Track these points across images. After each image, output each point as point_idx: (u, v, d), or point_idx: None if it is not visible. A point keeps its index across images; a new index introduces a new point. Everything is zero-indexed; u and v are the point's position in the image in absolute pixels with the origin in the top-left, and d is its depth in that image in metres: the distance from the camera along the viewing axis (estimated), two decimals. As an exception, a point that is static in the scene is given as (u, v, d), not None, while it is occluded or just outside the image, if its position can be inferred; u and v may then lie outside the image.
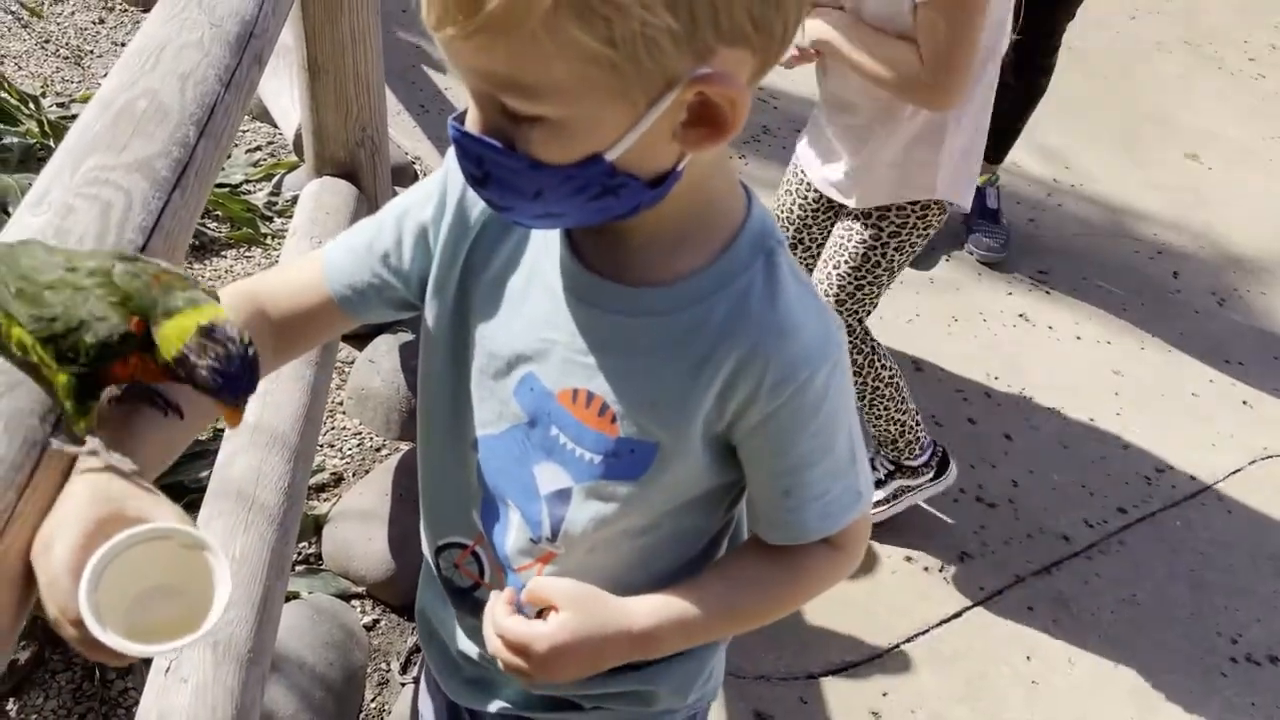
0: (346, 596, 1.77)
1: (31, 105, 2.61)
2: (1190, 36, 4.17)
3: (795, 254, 1.89)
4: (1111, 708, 1.81)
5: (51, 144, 2.46)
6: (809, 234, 1.91)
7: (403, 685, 1.68)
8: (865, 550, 0.85)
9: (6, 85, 2.58)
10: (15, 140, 2.38)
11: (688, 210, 0.70)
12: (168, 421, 0.71)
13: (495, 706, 0.94)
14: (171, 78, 1.00)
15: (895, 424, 1.91)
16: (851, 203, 1.76)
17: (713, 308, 0.71)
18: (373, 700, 1.66)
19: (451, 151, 0.76)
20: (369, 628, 1.74)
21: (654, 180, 0.66)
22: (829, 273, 1.81)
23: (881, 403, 1.88)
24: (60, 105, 2.75)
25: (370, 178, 2.04)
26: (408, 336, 2.12)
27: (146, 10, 3.25)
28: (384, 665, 1.70)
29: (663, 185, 0.66)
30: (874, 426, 1.92)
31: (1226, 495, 2.24)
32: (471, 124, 0.65)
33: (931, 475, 1.98)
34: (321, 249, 0.85)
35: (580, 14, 0.56)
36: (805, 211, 1.89)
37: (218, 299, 0.68)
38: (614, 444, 0.74)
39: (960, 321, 2.59)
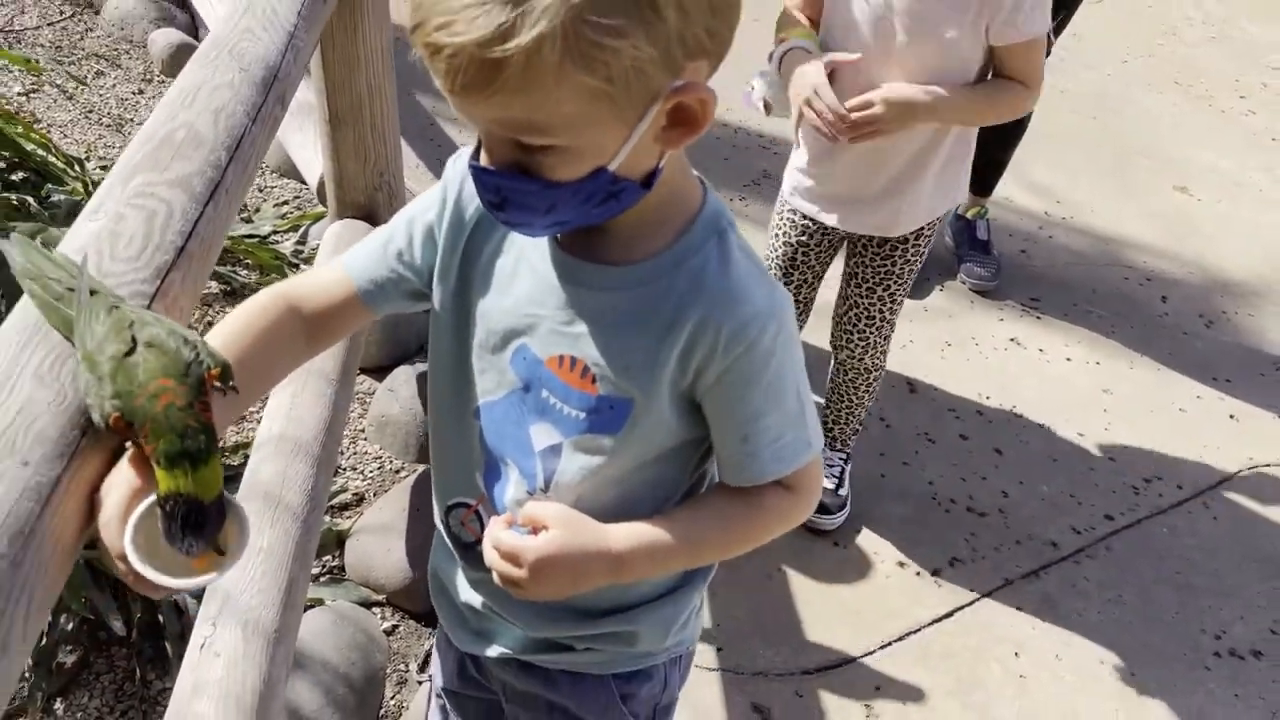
0: (368, 604, 1.89)
1: (77, 167, 2.81)
2: (1181, 77, 4.30)
3: (791, 283, 2.00)
4: (1098, 701, 1.88)
5: (95, 201, 2.65)
6: (809, 265, 1.98)
7: (420, 684, 1.78)
8: (818, 497, 0.95)
9: (53, 149, 2.79)
10: (63, 198, 2.57)
11: (656, 200, 0.82)
12: (225, 400, 0.83)
13: (496, 652, 1.06)
14: (206, 113, 1.16)
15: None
16: (896, 233, 1.86)
17: (674, 281, 0.83)
18: (392, 698, 1.76)
19: (452, 161, 0.91)
20: (388, 632, 1.86)
21: (645, 179, 0.79)
22: (886, 303, 1.95)
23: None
24: (103, 168, 2.95)
25: (387, 218, 2.19)
26: (424, 367, 2.26)
27: (182, 80, 3.48)
28: (403, 666, 1.81)
29: (652, 181, 0.80)
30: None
31: (1212, 504, 2.32)
32: (486, 159, 0.77)
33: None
34: (341, 256, 0.98)
35: (583, 62, 0.68)
36: (805, 248, 1.95)
37: (224, 364, 0.80)
38: (595, 401, 0.87)
39: (953, 346, 2.70)
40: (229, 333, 0.89)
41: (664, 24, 0.69)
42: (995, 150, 2.85)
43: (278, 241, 2.78)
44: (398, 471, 2.17)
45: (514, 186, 0.76)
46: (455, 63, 0.68)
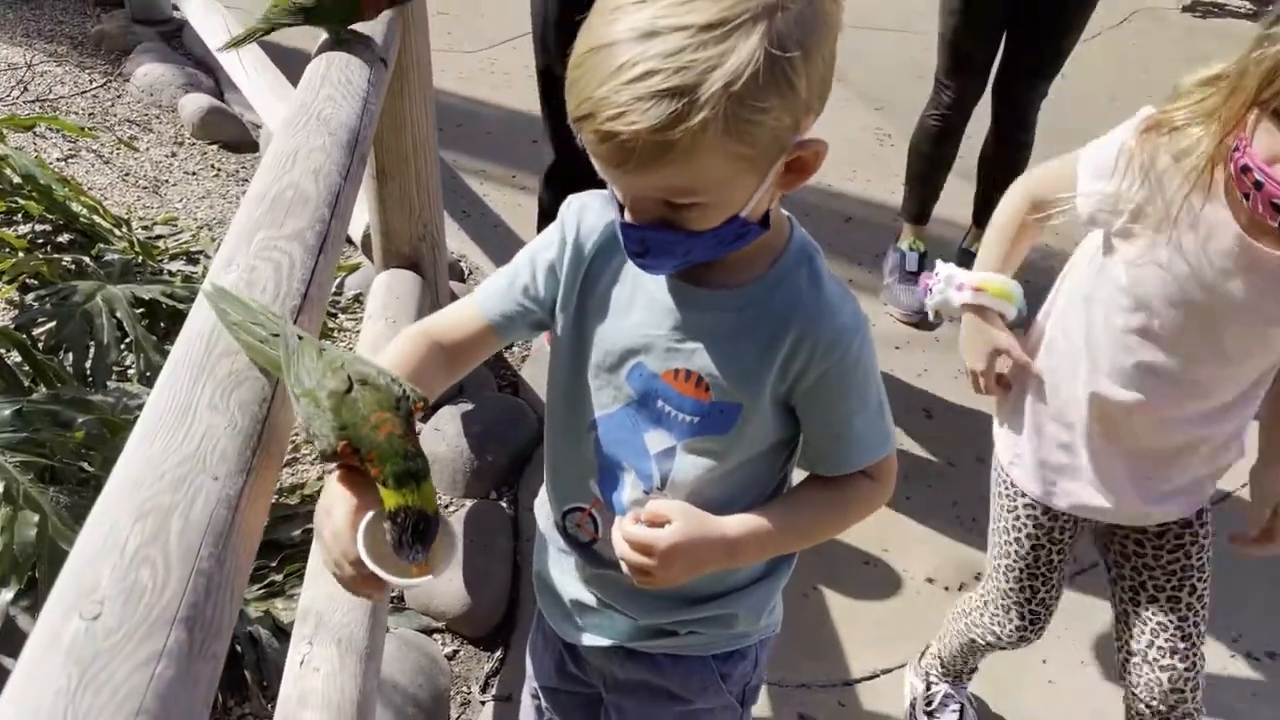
0: (429, 631, 1.99)
1: (124, 228, 2.95)
2: (1166, 112, 4.48)
3: (1037, 583, 1.65)
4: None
5: (143, 260, 2.79)
6: (1052, 560, 1.62)
7: (483, 704, 1.88)
8: (894, 485, 1.08)
9: (102, 210, 2.93)
10: (116, 257, 2.70)
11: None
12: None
13: (605, 642, 1.17)
14: (307, 174, 1.29)
15: None
16: (1189, 514, 1.49)
17: (773, 301, 0.97)
18: (458, 718, 1.86)
19: (566, 205, 1.05)
20: (450, 657, 1.96)
21: (763, 220, 0.93)
22: (1192, 604, 1.53)
23: None
24: (145, 228, 3.09)
25: (431, 268, 2.33)
26: (468, 406, 2.38)
27: (213, 143, 3.63)
28: (465, 688, 1.91)
29: (769, 221, 0.94)
30: None
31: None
32: (631, 217, 0.89)
33: None
34: (471, 295, 1.09)
35: (736, 136, 0.80)
36: (1052, 540, 1.59)
37: (424, 398, 0.91)
38: (708, 407, 1.00)
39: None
40: (395, 354, 1.02)
41: (797, 97, 0.82)
42: (997, 189, 2.98)
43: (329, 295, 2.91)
44: (447, 506, 2.28)
45: (660, 238, 0.89)
46: (629, 146, 0.80)
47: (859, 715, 1.90)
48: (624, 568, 1.01)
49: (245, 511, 0.83)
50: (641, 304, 1.01)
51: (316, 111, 1.44)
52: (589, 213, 1.04)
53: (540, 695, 1.33)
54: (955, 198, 3.11)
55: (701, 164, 0.81)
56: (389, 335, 2.06)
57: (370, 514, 0.88)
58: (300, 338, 0.93)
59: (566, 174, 2.34)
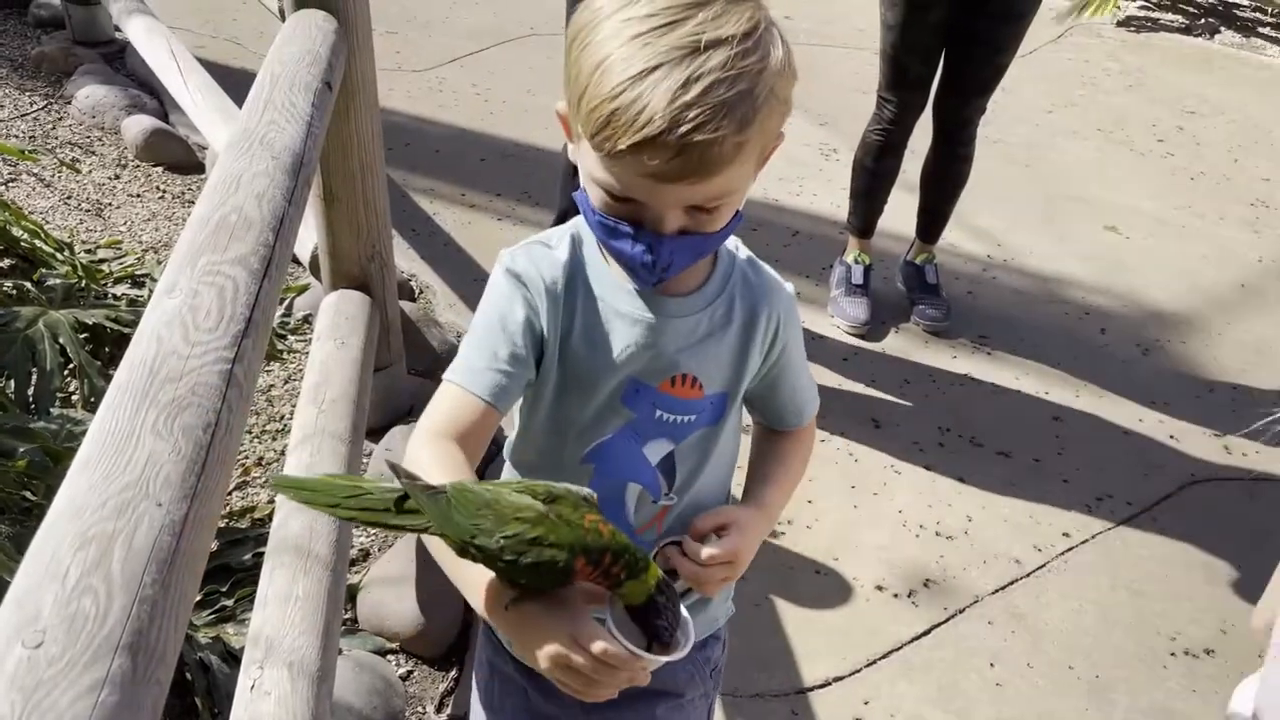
0: (383, 652, 1.99)
1: (66, 251, 2.91)
2: (1102, 124, 4.60)
3: None
4: (1069, 702, 2.03)
5: (86, 284, 2.75)
6: None
7: (438, 724, 1.88)
8: None
9: (43, 235, 2.89)
10: (58, 281, 2.67)
11: None
12: None
13: None
14: (250, 198, 1.29)
15: None
16: None
17: (731, 293, 1.06)
18: (412, 738, 1.86)
19: (514, 262, 1.05)
20: (404, 677, 1.95)
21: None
22: None
23: None
24: (88, 251, 3.05)
25: (380, 288, 2.33)
26: (419, 426, 2.38)
27: (157, 165, 3.60)
28: (420, 708, 1.91)
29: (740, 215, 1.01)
30: None
31: (1160, 517, 2.50)
32: (665, 229, 0.93)
33: None
34: (452, 385, 1.03)
35: (769, 130, 0.90)
36: None
37: (592, 493, 0.89)
38: (703, 403, 1.06)
39: (912, 384, 2.87)
40: (442, 472, 0.94)
41: (792, 89, 0.92)
42: (940, 203, 3.06)
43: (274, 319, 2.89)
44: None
45: (685, 245, 0.95)
46: (707, 155, 0.86)
47: (811, 723, 1.93)
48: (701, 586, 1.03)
49: (190, 538, 0.84)
50: (620, 329, 1.03)
51: (260, 135, 1.45)
52: (539, 262, 1.04)
53: (527, 677, 1.30)
54: (900, 211, 3.17)
55: (747, 163, 0.90)
56: (338, 356, 2.06)
57: (605, 617, 0.88)
58: (429, 491, 0.85)
59: None
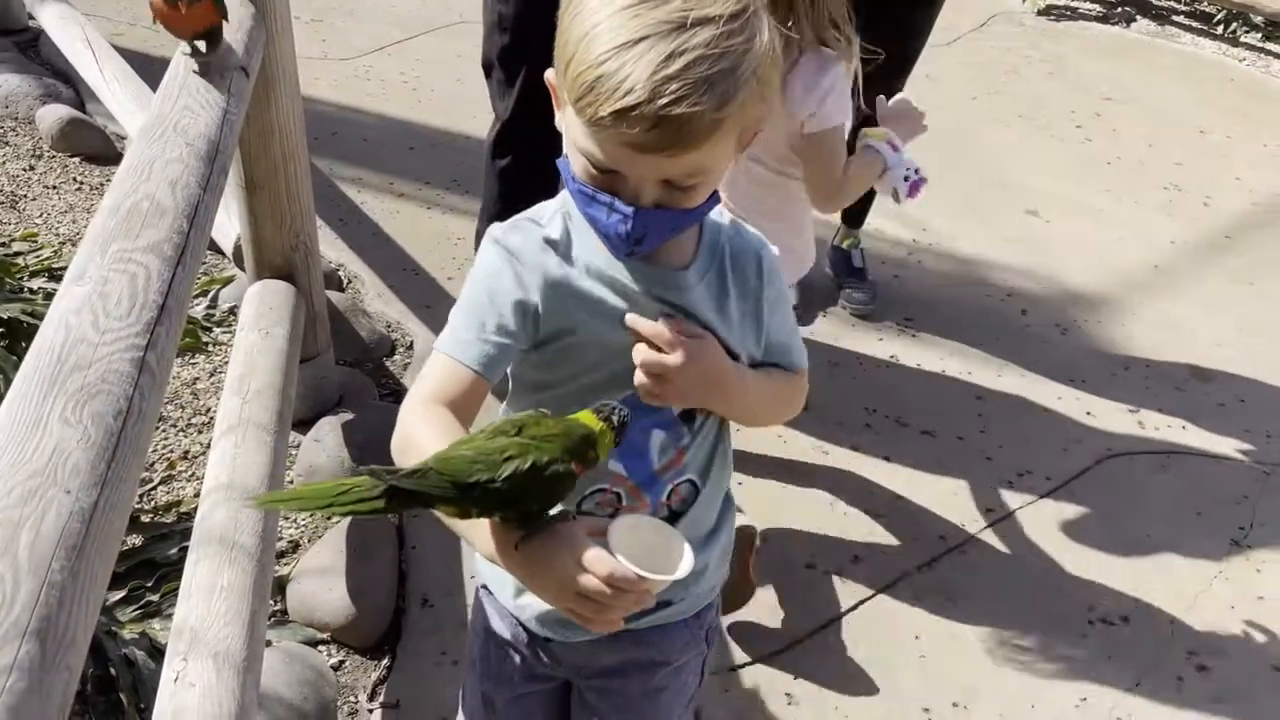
0: (314, 643, 1.98)
1: (-22, 245, 2.83)
2: (1023, 111, 4.70)
3: None
4: (992, 670, 2.09)
5: (1, 278, 2.68)
6: None
7: (370, 712, 1.88)
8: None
9: (-46, 228, 2.80)
10: (-31, 275, 2.59)
11: None
12: None
13: (596, 633, 1.16)
14: (164, 184, 1.28)
15: None
16: None
17: (723, 258, 1.09)
18: (345, 728, 1.85)
19: (505, 238, 1.06)
20: (335, 668, 1.95)
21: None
22: None
23: None
24: (2, 244, 2.97)
25: (305, 278, 2.30)
26: (348, 416, 2.37)
27: (74, 156, 3.51)
28: (353, 698, 1.90)
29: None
30: None
31: (1077, 491, 2.58)
32: (642, 200, 0.96)
33: None
34: (440, 353, 1.06)
35: (750, 111, 0.91)
36: None
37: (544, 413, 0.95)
38: None
39: (839, 366, 2.92)
40: (433, 434, 0.97)
41: (779, 74, 0.94)
42: (863, 185, 3.10)
43: (189, 307, 2.84)
44: (329, 518, 2.26)
45: (658, 219, 0.97)
46: (685, 129, 0.88)
47: (742, 698, 1.96)
48: (637, 378, 1.04)
49: (100, 524, 0.83)
50: (633, 298, 1.05)
51: (174, 122, 1.43)
52: (530, 237, 1.06)
53: (497, 704, 1.31)
54: (826, 197, 3.21)
55: (725, 143, 0.93)
56: (262, 347, 2.04)
57: (622, 526, 0.92)
58: (413, 475, 0.88)
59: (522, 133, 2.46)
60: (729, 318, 1.09)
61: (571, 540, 0.89)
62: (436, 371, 1.06)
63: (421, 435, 0.98)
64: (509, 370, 1.12)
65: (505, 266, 1.05)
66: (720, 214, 1.11)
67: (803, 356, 1.21)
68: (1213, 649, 2.19)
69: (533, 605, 1.20)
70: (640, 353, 1.03)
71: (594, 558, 0.87)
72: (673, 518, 1.16)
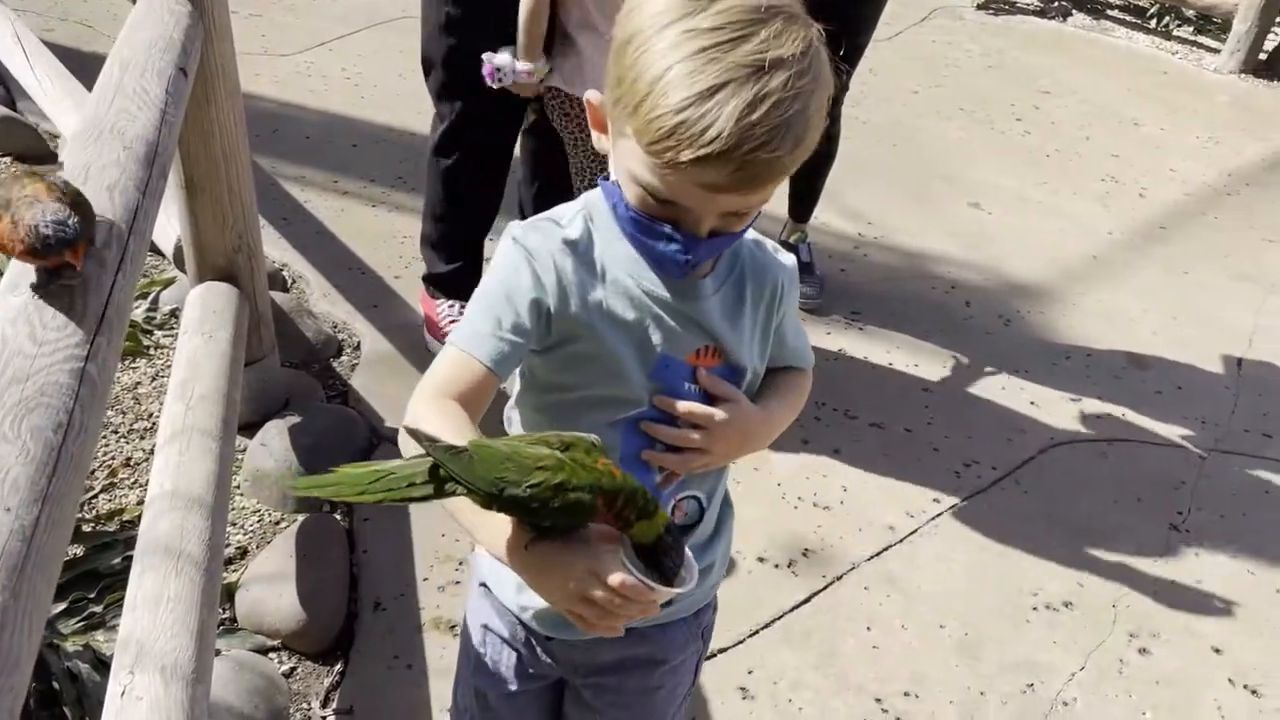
0: (264, 650, 1.95)
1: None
2: (965, 104, 4.77)
3: None
4: (940, 659, 2.12)
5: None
6: None
7: (324, 719, 1.86)
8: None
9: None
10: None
11: None
12: None
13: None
14: (101, 190, 1.25)
15: None
16: None
17: (741, 270, 1.12)
18: (297, 736, 1.83)
19: (526, 238, 1.06)
20: (287, 675, 1.92)
21: None
22: None
23: None
24: (-69, 247, 2.88)
25: (249, 279, 2.27)
26: (295, 419, 2.33)
27: (5, 155, 3.41)
28: (305, 704, 1.88)
29: None
30: None
31: (1022, 480, 2.63)
32: (699, 230, 0.99)
33: None
34: (455, 347, 1.05)
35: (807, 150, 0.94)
36: None
37: (602, 449, 0.93)
38: (721, 370, 1.11)
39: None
40: (446, 425, 0.95)
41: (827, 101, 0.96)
42: (809, 181, 3.14)
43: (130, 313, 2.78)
44: (277, 523, 2.23)
45: (713, 246, 1.01)
46: (767, 171, 0.92)
47: (697, 694, 1.97)
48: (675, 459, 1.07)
49: (42, 542, 0.81)
50: (645, 307, 1.06)
51: (110, 124, 1.40)
52: (550, 239, 1.06)
53: (490, 700, 1.31)
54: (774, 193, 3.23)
55: (782, 176, 0.95)
56: (206, 350, 2.00)
57: (622, 553, 0.90)
58: (451, 451, 0.87)
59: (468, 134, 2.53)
60: (740, 329, 1.11)
61: (584, 548, 0.90)
62: (448, 365, 1.05)
63: (434, 425, 0.96)
64: (518, 368, 1.13)
65: (523, 264, 1.05)
66: (751, 237, 1.14)
67: (809, 352, 1.25)
68: (1153, 632, 2.25)
69: (534, 604, 1.20)
70: (674, 438, 1.08)
71: (607, 567, 0.87)
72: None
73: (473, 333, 1.04)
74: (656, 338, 1.07)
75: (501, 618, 1.26)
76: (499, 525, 0.91)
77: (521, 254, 1.05)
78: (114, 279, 1.13)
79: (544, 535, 0.90)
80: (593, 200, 1.09)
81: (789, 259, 1.17)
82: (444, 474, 0.86)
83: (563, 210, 1.10)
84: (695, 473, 1.13)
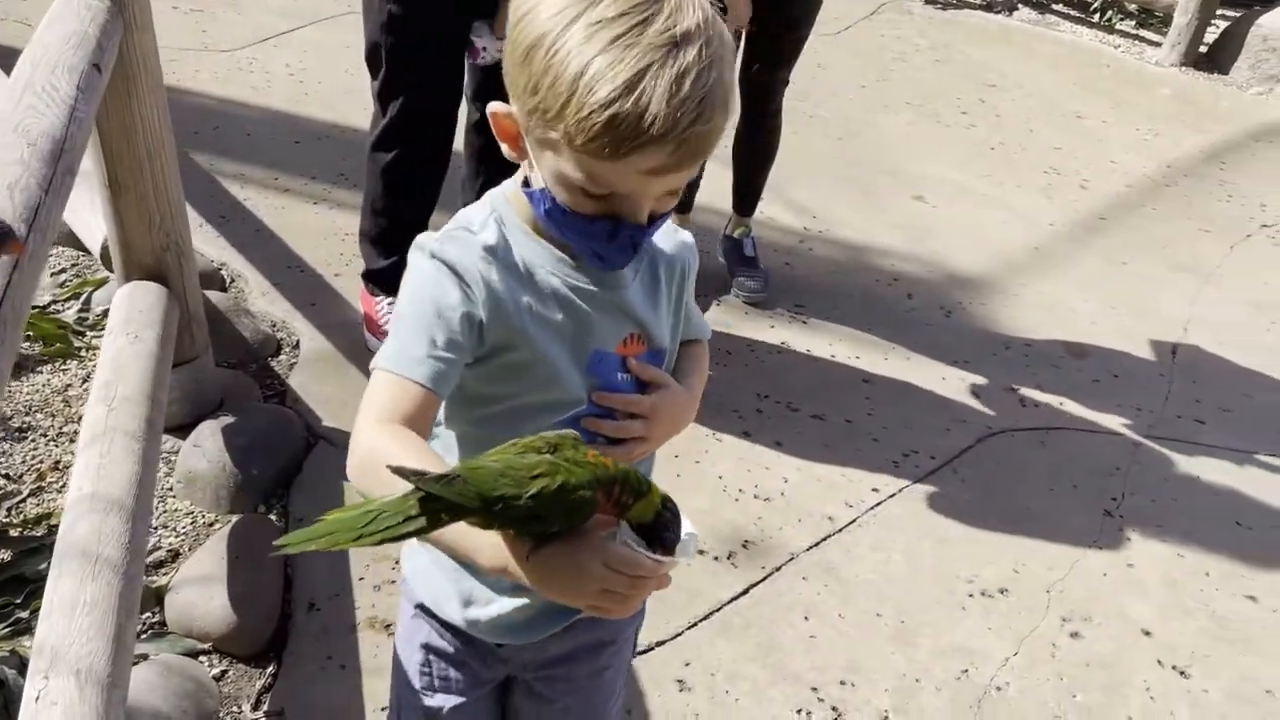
0: (194, 653, 1.93)
1: None
2: (911, 98, 4.81)
3: None
4: (876, 646, 2.14)
5: None
6: None
7: (254, 721, 1.84)
8: None
9: None
10: None
11: None
12: None
13: (557, 628, 1.19)
14: (1, 188, 1.22)
15: None
16: None
17: (653, 255, 1.12)
18: (227, 739, 1.81)
19: (442, 251, 1.03)
20: (218, 678, 1.90)
21: None
22: None
23: None
24: None
25: (179, 279, 2.24)
26: (229, 419, 2.31)
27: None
28: (235, 708, 1.86)
29: None
30: None
31: (960, 469, 2.66)
32: (641, 217, 0.99)
33: None
34: (389, 373, 1.01)
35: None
36: None
37: (581, 440, 0.93)
38: (646, 355, 1.12)
39: (732, 354, 2.96)
40: (406, 450, 0.94)
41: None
42: (751, 175, 3.15)
43: (59, 311, 2.74)
44: (211, 524, 2.20)
45: (659, 227, 1.03)
46: (703, 143, 0.93)
47: (634, 687, 1.97)
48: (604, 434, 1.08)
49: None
50: (572, 304, 1.06)
51: (15, 123, 1.37)
52: (469, 249, 1.04)
53: (442, 716, 1.28)
54: (721, 187, 3.24)
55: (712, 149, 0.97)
56: (131, 351, 1.97)
57: (626, 539, 0.91)
58: (444, 480, 0.85)
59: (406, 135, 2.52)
60: (659, 312, 1.12)
61: (588, 543, 0.90)
62: (385, 391, 1.01)
63: (401, 456, 0.91)
64: None
65: (448, 278, 1.02)
66: (666, 229, 1.14)
67: (707, 324, 1.26)
68: (1085, 616, 2.28)
69: (481, 615, 1.19)
70: (618, 431, 1.10)
71: (621, 559, 0.89)
72: None
73: (406, 355, 1.01)
74: (588, 333, 1.07)
75: (443, 637, 1.24)
76: (487, 540, 0.91)
77: (443, 268, 1.02)
78: (10, 277, 1.11)
79: (545, 541, 0.90)
80: (498, 201, 1.08)
81: (688, 236, 1.19)
82: (440, 505, 0.85)
83: (470, 216, 1.08)
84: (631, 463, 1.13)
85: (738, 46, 2.85)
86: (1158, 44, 5.86)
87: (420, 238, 1.06)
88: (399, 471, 0.83)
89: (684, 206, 3.21)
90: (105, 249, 2.29)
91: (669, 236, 1.15)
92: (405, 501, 0.85)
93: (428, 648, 1.27)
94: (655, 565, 0.90)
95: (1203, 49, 5.72)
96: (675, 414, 1.13)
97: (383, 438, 0.96)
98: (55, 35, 1.65)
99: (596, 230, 0.99)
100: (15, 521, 2.13)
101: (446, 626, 1.24)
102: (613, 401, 1.09)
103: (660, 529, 0.93)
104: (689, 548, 0.96)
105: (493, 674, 1.28)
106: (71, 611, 1.44)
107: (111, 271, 2.35)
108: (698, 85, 0.90)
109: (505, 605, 1.18)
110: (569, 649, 1.25)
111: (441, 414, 1.13)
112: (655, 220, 1.01)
